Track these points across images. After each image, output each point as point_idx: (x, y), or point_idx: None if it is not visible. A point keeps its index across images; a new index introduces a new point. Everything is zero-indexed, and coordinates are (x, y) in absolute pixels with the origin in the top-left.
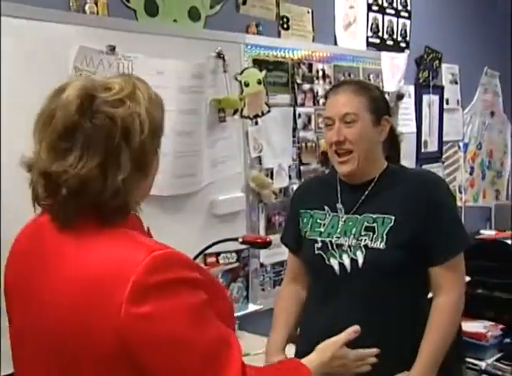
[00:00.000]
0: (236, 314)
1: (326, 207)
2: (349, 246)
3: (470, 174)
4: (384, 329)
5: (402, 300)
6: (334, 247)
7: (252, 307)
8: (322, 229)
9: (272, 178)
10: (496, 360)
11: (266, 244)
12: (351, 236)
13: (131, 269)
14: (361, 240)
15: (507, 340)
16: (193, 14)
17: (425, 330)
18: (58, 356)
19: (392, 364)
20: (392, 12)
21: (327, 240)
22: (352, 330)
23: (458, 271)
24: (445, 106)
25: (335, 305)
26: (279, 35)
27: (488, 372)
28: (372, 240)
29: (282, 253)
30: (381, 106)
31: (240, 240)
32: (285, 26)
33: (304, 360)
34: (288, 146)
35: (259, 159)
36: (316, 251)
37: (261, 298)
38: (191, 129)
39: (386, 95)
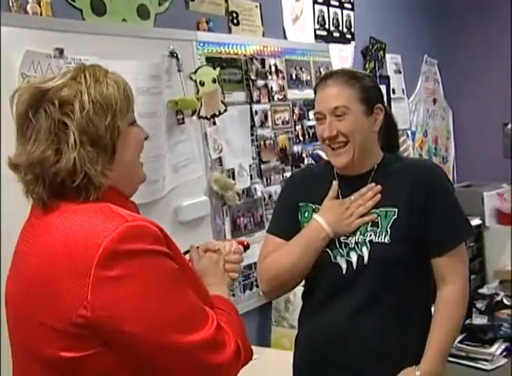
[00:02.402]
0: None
1: None
2: (356, 242)
3: None
4: (391, 324)
5: (409, 295)
6: (342, 245)
7: None
8: None
9: (233, 179)
10: (459, 342)
11: (244, 248)
12: (358, 232)
13: (102, 237)
14: (366, 235)
15: (468, 321)
16: (142, 12)
17: (432, 322)
18: (23, 326)
19: (401, 358)
20: (336, 3)
21: (334, 237)
22: None
23: (461, 260)
24: (391, 95)
25: (339, 305)
26: (229, 31)
27: (452, 354)
28: (376, 235)
29: (249, 256)
30: (373, 95)
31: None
32: (235, 21)
33: None
34: (247, 144)
35: (220, 160)
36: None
37: None
38: (151, 133)
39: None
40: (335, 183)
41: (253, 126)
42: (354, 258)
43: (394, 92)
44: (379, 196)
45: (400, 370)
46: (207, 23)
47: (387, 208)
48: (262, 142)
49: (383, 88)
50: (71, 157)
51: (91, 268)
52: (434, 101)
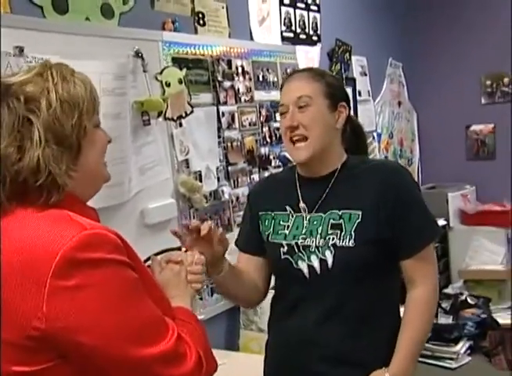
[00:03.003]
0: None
1: (288, 208)
2: (317, 246)
3: None
4: (359, 328)
5: (377, 297)
6: (301, 249)
7: None
8: (286, 232)
9: (200, 181)
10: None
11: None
12: (318, 236)
13: (59, 245)
14: (328, 239)
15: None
16: (106, 11)
17: (402, 324)
18: None
19: (370, 361)
20: (303, 6)
21: (293, 242)
22: None
23: (429, 262)
24: (357, 97)
25: (307, 310)
26: (195, 32)
27: None
28: (340, 239)
29: None
30: (337, 93)
31: (184, 249)
32: (201, 22)
33: None
34: (214, 146)
35: (186, 162)
36: (283, 256)
37: (200, 308)
38: (116, 134)
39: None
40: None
41: (220, 128)
42: (315, 262)
43: (360, 94)
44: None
45: (369, 374)
46: (173, 23)
47: (351, 211)
48: (229, 144)
49: (349, 90)
50: (35, 154)
51: (47, 277)
52: (399, 103)
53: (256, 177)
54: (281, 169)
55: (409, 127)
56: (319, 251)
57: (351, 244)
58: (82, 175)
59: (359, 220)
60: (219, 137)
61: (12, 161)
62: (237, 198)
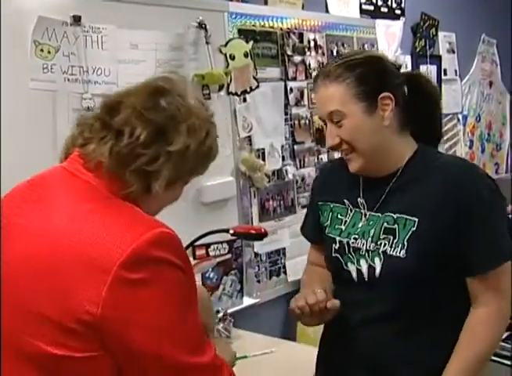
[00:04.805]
0: (230, 310)
1: (346, 202)
2: (367, 250)
3: (470, 147)
4: (400, 344)
5: (431, 313)
6: (351, 250)
7: (248, 301)
8: (342, 227)
9: (263, 159)
10: (503, 340)
11: (261, 236)
12: (369, 239)
13: (133, 238)
14: (380, 244)
15: None
16: None
17: (456, 344)
18: (16, 311)
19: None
20: None
21: (345, 240)
22: None
23: (499, 284)
24: (442, 76)
25: (352, 312)
26: (265, 3)
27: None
28: (392, 247)
29: (277, 240)
30: (374, 84)
31: (232, 231)
32: None
33: None
34: (280, 124)
35: (249, 139)
36: (334, 254)
37: (257, 291)
38: None
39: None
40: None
41: (287, 104)
42: (364, 267)
43: (445, 72)
44: None
45: None
46: None
47: (407, 216)
48: (297, 122)
49: (433, 68)
50: (169, 149)
51: (114, 266)
52: (490, 84)
53: (324, 157)
54: None
55: (500, 109)
56: (368, 256)
57: (401, 255)
58: (156, 199)
59: (414, 228)
60: (286, 114)
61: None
62: (302, 179)
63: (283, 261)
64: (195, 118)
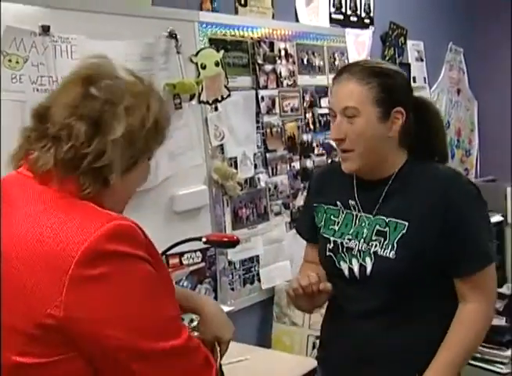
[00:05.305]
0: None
1: (338, 203)
2: (359, 250)
3: None
4: (393, 335)
5: (417, 310)
6: (344, 250)
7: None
8: (336, 228)
9: (236, 168)
10: None
11: (233, 243)
12: (362, 240)
13: (87, 233)
14: (371, 245)
15: None
16: None
17: (445, 338)
18: None
19: (402, 367)
20: None
21: (339, 240)
22: None
23: (485, 284)
24: (412, 84)
25: (347, 306)
26: (236, 12)
27: None
28: (382, 248)
29: (251, 248)
30: (394, 96)
31: (204, 239)
32: (242, 2)
33: None
34: (252, 132)
35: (221, 148)
36: (328, 253)
37: (231, 299)
38: None
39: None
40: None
41: (259, 113)
42: (355, 266)
43: (414, 80)
44: None
45: None
46: (212, 2)
47: (398, 220)
48: (269, 130)
49: None
50: (108, 139)
51: (71, 265)
52: (458, 91)
53: (297, 165)
54: (324, 157)
55: (469, 116)
56: (360, 256)
57: (391, 256)
58: (118, 188)
59: (404, 231)
60: (258, 122)
61: (86, 134)
62: (275, 186)
63: (256, 268)
64: (130, 96)
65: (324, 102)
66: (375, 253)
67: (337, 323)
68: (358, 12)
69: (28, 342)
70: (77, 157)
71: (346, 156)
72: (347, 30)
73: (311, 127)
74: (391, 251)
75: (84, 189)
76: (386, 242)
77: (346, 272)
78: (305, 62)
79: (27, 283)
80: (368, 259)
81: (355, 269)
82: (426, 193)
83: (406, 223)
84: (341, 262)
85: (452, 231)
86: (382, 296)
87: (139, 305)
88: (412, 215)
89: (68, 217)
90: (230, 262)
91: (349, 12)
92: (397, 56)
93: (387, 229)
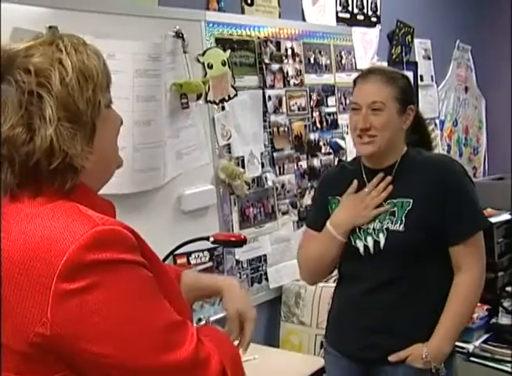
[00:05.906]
0: (212, 318)
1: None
2: (374, 229)
3: (448, 152)
4: (403, 304)
5: (425, 277)
6: (361, 230)
7: None
8: None
9: (243, 167)
10: (483, 342)
11: (241, 243)
12: (377, 220)
13: (67, 243)
14: (384, 223)
15: (494, 320)
16: None
17: (445, 306)
18: None
19: (410, 334)
20: None
21: None
22: None
23: (477, 250)
24: (419, 82)
25: (359, 283)
26: (242, 11)
27: (476, 354)
28: (392, 223)
29: (258, 247)
30: (408, 96)
31: (212, 239)
32: (249, 1)
33: None
34: (259, 131)
35: (228, 147)
36: None
37: None
38: (150, 118)
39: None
40: (355, 182)
41: (266, 112)
42: (370, 242)
43: (422, 78)
44: (391, 187)
45: (409, 345)
46: (218, 2)
47: (404, 199)
48: (275, 129)
49: (410, 74)
50: (47, 133)
51: (53, 279)
52: (466, 89)
53: (304, 164)
54: (331, 156)
55: (476, 114)
56: (374, 233)
57: (401, 229)
58: (96, 158)
59: (410, 207)
60: (265, 121)
61: (21, 142)
62: (282, 185)
63: (264, 268)
64: (39, 70)
65: (331, 101)
66: (387, 229)
67: (347, 298)
68: (365, 11)
69: (24, 361)
70: (30, 165)
71: (369, 140)
72: (354, 28)
73: (318, 126)
74: (400, 224)
75: (60, 186)
76: (395, 218)
77: (361, 249)
78: (312, 61)
79: (13, 301)
80: (381, 235)
81: (370, 245)
82: (426, 175)
83: (411, 200)
84: (357, 241)
85: (449, 202)
86: (392, 268)
87: (129, 316)
88: (415, 193)
89: (46, 230)
90: (238, 262)
91: (356, 11)
92: (404, 54)
93: (395, 208)
